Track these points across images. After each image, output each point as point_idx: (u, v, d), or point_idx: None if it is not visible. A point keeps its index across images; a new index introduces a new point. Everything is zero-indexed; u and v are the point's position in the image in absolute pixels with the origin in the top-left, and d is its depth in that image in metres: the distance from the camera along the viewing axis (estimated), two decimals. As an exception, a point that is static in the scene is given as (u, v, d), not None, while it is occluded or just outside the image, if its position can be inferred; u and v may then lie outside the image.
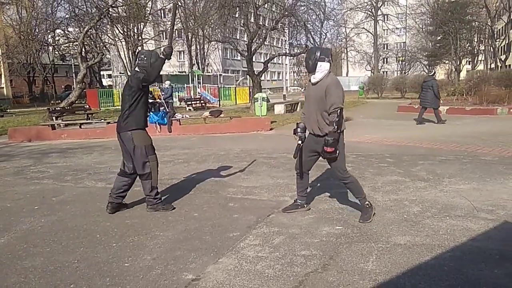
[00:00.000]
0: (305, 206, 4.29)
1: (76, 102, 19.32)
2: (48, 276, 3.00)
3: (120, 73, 42.70)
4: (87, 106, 18.60)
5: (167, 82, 19.81)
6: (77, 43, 22.44)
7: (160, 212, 4.40)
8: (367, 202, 3.93)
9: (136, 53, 33.01)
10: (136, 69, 4.23)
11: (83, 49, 26.01)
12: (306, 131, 3.99)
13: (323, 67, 3.76)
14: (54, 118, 15.15)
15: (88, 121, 14.89)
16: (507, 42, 45.29)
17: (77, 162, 7.82)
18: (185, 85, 32.47)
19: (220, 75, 44.32)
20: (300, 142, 3.95)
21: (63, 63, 49.99)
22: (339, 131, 3.67)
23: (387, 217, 4.02)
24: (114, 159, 7.98)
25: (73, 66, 41.76)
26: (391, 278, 2.80)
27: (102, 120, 14.62)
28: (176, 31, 39.86)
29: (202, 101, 26.47)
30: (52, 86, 45.77)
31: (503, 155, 6.90)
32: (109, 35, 32.01)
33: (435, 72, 15.13)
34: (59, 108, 16.87)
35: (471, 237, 3.43)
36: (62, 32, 32.93)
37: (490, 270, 2.84)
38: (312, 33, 21.00)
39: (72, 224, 4.16)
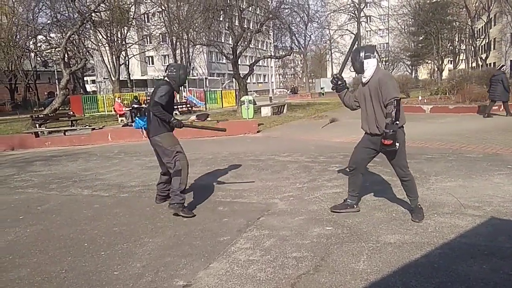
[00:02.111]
0: (355, 207, 4.18)
1: (60, 108, 19.05)
2: (35, 288, 2.93)
3: (104, 78, 42.30)
4: (71, 113, 18.35)
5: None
6: (59, 49, 22.11)
7: (148, 218, 4.35)
8: (419, 203, 3.93)
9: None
10: (166, 79, 4.57)
11: (66, 55, 25.70)
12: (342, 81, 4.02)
13: (370, 64, 3.73)
14: (37, 125, 14.90)
15: (73, 127, 14.67)
16: (487, 41, 46.28)
17: (62, 170, 7.69)
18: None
19: (206, 78, 44.20)
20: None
21: (46, 70, 49.22)
22: (397, 122, 3.58)
23: (376, 216, 4.04)
24: (100, 166, 7.88)
25: (56, 72, 41.16)
26: (382, 277, 2.81)
27: (87, 127, 14.44)
28: (161, 35, 39.70)
29: (188, 105, 26.36)
30: (35, 93, 45.02)
31: (487, 152, 7.02)
32: (92, 40, 31.68)
33: (503, 66, 15.35)
34: (42, 115, 16.61)
35: (459, 234, 3.47)
36: (44, 38, 32.42)
37: (479, 266, 2.88)
38: (296, 35, 21.17)
39: (58, 233, 4.08)
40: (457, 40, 48.48)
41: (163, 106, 4.37)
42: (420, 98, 19.07)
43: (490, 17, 44.37)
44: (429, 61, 49.46)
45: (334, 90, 4.17)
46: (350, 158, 4.16)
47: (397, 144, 3.62)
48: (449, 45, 47.67)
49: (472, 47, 46.08)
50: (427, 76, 49.67)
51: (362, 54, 3.74)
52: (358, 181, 4.15)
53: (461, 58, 50.75)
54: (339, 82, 4.03)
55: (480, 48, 47.11)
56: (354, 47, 3.94)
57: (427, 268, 2.89)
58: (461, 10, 43.07)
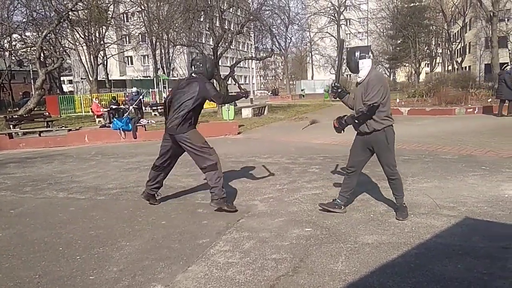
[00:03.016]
0: (342, 207, 4.20)
1: (35, 109, 18.60)
2: (6, 294, 2.84)
3: (81, 78, 41.48)
4: (47, 113, 17.90)
5: (134, 89, 19.45)
6: (35, 48, 21.57)
7: (126, 221, 4.28)
8: (404, 202, 4.00)
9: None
10: (194, 75, 4.51)
11: (42, 54, 25.11)
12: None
13: (365, 64, 3.79)
14: (11, 126, 14.46)
15: (48, 128, 14.33)
16: (462, 45, 47.53)
17: (36, 172, 7.49)
18: (150, 90, 31.94)
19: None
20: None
21: (21, 69, 47.96)
22: (357, 121, 3.75)
23: (355, 217, 4.08)
24: (76, 168, 7.71)
25: (31, 72, 40.19)
26: (360, 278, 2.83)
27: (63, 128, 14.11)
28: (140, 35, 39.24)
29: (168, 106, 26.08)
30: (9, 93, 43.82)
31: (462, 153, 7.19)
32: (69, 39, 31.04)
33: (507, 65, 15.74)
34: (16, 116, 16.15)
35: (435, 234, 3.53)
36: (19, 36, 31.61)
37: (454, 266, 2.93)
38: (277, 37, 21.26)
39: (32, 237, 3.97)
40: (433, 43, 49.62)
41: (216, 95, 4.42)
42: (398, 100, 19.44)
43: (466, 21, 45.57)
44: (407, 64, 50.49)
45: (337, 98, 4.21)
46: (348, 160, 4.20)
47: (341, 131, 3.92)
48: (426, 48, 48.75)
49: (448, 50, 47.22)
50: (405, 79, 50.71)
51: (357, 54, 3.81)
52: (352, 183, 4.19)
53: (437, 61, 51.95)
54: (340, 90, 4.10)
55: (456, 52, 48.35)
56: (349, 48, 3.99)
57: (403, 268, 2.93)
58: (438, 14, 44.10)
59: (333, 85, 4.16)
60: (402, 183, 4.03)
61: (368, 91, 3.70)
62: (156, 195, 4.83)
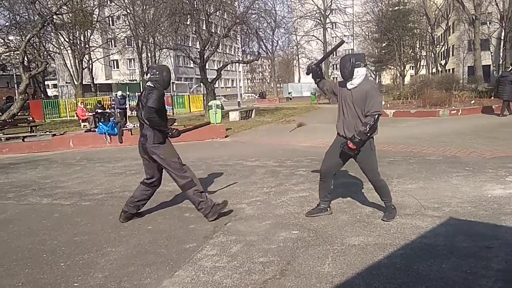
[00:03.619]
0: (328, 209, 4.22)
1: (19, 114, 18.29)
2: (-13, 303, 2.77)
3: (66, 82, 40.99)
4: (31, 118, 17.68)
5: (119, 92, 19.29)
6: (18, 52, 21.23)
7: (111, 227, 4.23)
8: (392, 205, 4.03)
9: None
10: (149, 83, 4.23)
11: (26, 58, 24.73)
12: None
13: (360, 73, 3.78)
14: (-6, 131, 14.20)
15: (32, 134, 14.09)
16: (446, 47, 48.39)
17: (20, 178, 7.36)
18: (136, 93, 31.64)
19: (173, 83, 43.62)
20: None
21: (4, 73, 47.15)
22: (369, 134, 3.70)
23: (341, 219, 4.11)
24: (61, 173, 7.60)
25: (14, 76, 39.50)
26: (347, 279, 2.85)
27: (47, 132, 13.88)
28: (126, 38, 38.97)
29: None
30: (-8, 98, 42.99)
31: (446, 154, 7.30)
32: (53, 43, 30.66)
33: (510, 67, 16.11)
34: (0, 121, 15.85)
35: (420, 235, 3.57)
36: (2, 40, 31.11)
37: (439, 265, 2.97)
38: (264, 40, 21.28)
39: (15, 244, 3.90)
40: (418, 46, 50.31)
41: (157, 112, 4.07)
42: (383, 102, 19.63)
43: (449, 24, 46.45)
44: (392, 67, 51.05)
45: (313, 77, 4.21)
46: (322, 164, 4.15)
47: (358, 153, 3.78)
48: (410, 51, 49.38)
49: (432, 53, 48.03)
50: (390, 82, 51.25)
51: (353, 60, 3.77)
52: (328, 186, 4.20)
53: (422, 64, 52.71)
54: (318, 70, 4.13)
55: (440, 55, 49.17)
56: (345, 55, 3.98)
57: (389, 269, 2.95)
58: (422, 18, 44.80)
59: (313, 64, 4.15)
60: (388, 187, 4.07)
61: (369, 100, 3.70)
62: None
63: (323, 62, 4.27)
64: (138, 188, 4.44)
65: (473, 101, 17.32)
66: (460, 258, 3.07)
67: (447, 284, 2.71)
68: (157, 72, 4.23)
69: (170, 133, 4.29)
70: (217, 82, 22.07)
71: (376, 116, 3.68)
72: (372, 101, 3.69)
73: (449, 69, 46.42)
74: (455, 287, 2.68)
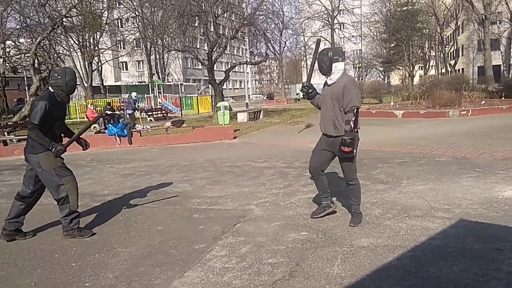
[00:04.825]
0: (332, 206, 4.21)
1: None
2: (1, 303, 2.82)
3: (76, 84, 41.33)
4: (42, 120, 17.80)
5: (134, 93, 19.47)
6: (29, 54, 21.50)
7: (122, 228, 4.27)
8: (359, 209, 4.00)
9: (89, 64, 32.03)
10: (50, 89, 3.91)
11: (36, 61, 25.02)
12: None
13: (338, 67, 3.76)
14: (6, 133, 14.38)
15: (43, 135, 14.23)
16: (455, 47, 47.95)
17: (32, 179, 7.44)
18: (145, 95, 31.93)
19: (181, 84, 43.93)
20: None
21: (15, 76, 47.67)
22: (355, 130, 3.69)
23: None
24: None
25: (25, 79, 39.95)
26: (356, 281, 2.84)
27: (58, 134, 14.02)
28: (135, 40, 39.26)
29: (163, 111, 26.10)
30: (4, 100, 43.45)
31: (456, 155, 7.24)
32: (63, 45, 30.99)
33: None
34: (11, 123, 16.05)
35: (430, 236, 3.55)
36: (13, 43, 31.53)
37: (449, 268, 2.95)
38: (271, 41, 21.35)
39: (28, 244, 3.95)
40: (427, 46, 50.01)
41: (42, 126, 3.73)
42: (392, 103, 19.54)
43: (458, 24, 46.03)
44: (401, 67, 50.78)
45: (307, 99, 4.21)
46: (309, 163, 4.15)
47: (355, 151, 3.75)
48: (419, 51, 49.10)
49: (441, 53, 47.63)
50: (399, 82, 50.94)
51: (330, 55, 3.76)
52: (323, 182, 4.16)
53: (431, 64, 52.33)
54: (310, 90, 4.08)
55: (449, 55, 48.77)
56: (323, 49, 3.96)
57: (399, 271, 2.94)
58: (431, 17, 44.51)
59: (304, 85, 4.12)
60: (360, 189, 4.06)
61: (346, 95, 3.68)
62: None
63: (312, 72, 4.13)
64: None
65: (483, 102, 17.13)
66: (471, 260, 3.04)
67: (457, 286, 2.69)
68: (59, 77, 3.85)
69: (54, 153, 3.86)
70: (225, 83, 22.13)
71: (355, 111, 3.67)
72: (349, 95, 3.67)
73: (458, 69, 46.02)
74: (465, 289, 2.66)
